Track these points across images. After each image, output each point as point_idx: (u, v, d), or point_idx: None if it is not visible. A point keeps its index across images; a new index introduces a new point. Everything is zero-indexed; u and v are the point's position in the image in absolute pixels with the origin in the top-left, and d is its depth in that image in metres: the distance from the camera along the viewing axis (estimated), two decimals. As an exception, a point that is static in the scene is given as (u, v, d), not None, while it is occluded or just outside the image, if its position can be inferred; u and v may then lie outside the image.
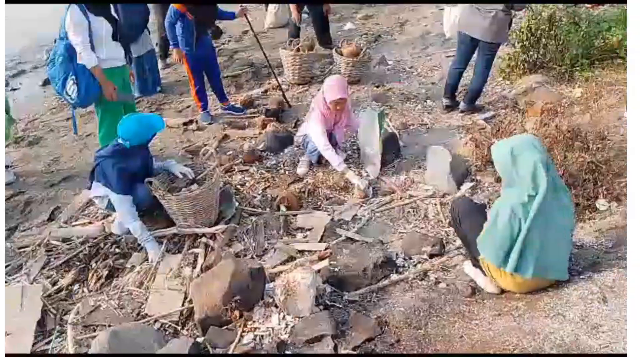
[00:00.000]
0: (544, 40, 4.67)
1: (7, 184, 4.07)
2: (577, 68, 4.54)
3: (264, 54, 5.08)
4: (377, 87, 5.21)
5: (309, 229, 3.24)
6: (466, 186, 3.46)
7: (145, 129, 3.09)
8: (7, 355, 2.95)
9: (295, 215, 3.36)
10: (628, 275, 2.20)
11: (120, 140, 3.05)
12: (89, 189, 3.24)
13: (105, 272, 2.91)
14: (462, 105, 4.47)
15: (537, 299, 2.29)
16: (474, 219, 2.46)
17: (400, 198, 3.48)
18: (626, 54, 4.39)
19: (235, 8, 4.72)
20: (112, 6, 3.63)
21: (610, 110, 3.88)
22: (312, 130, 3.66)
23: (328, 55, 5.86)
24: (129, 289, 2.82)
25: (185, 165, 3.40)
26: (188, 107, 5.26)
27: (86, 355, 2.76)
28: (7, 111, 4.06)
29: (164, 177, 3.31)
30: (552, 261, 2.22)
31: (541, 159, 2.13)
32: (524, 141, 2.25)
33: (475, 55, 4.20)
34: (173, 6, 4.24)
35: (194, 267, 2.91)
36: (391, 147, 3.93)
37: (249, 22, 4.94)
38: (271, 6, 7.29)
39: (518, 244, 2.17)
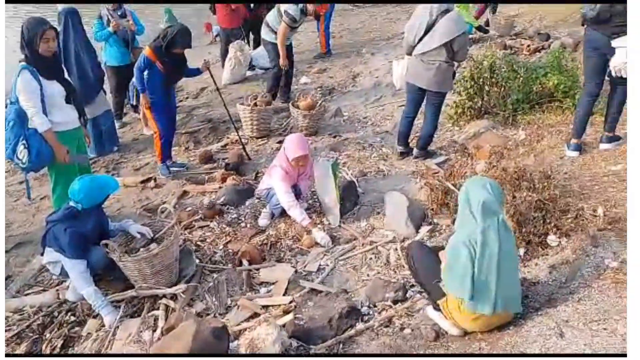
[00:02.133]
0: (486, 87, 4.98)
1: None
2: (519, 112, 4.84)
3: (225, 106, 5.16)
4: (334, 137, 5.36)
5: (273, 283, 3.21)
6: (424, 229, 3.54)
7: (97, 190, 3.05)
8: (7, 355, 2.73)
9: (257, 269, 3.34)
10: (628, 275, 2.30)
11: (72, 203, 2.99)
12: (42, 255, 3.13)
13: (60, 342, 2.77)
14: (415, 151, 4.64)
15: (499, 338, 2.34)
16: (429, 263, 2.54)
17: (362, 245, 3.53)
18: (562, 97, 4.74)
19: (199, 62, 4.83)
20: (65, 68, 3.65)
21: (552, 150, 4.13)
22: (277, 187, 3.71)
23: (285, 109, 6.02)
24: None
25: (143, 225, 3.34)
26: (146, 164, 5.23)
27: (86, 355, 2.59)
28: None
29: (120, 238, 3.24)
30: (507, 294, 2.30)
31: (488, 198, 2.25)
32: (476, 182, 2.38)
33: (424, 103, 4.42)
34: (144, 53, 4.32)
35: (154, 330, 2.81)
36: (350, 195, 4.02)
37: (211, 75, 5.04)
38: (227, 63, 7.48)
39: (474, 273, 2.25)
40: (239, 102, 5.65)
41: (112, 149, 5.54)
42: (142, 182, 4.75)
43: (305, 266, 3.35)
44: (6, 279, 3.57)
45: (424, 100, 4.39)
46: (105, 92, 5.32)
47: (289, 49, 6.13)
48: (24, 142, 3.36)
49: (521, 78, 4.88)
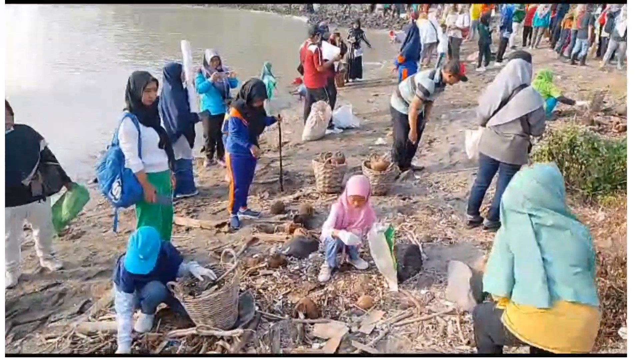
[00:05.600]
0: (566, 163, 4.82)
1: (58, 269, 4.41)
2: (600, 192, 4.61)
3: (280, 163, 5.73)
4: (404, 199, 5.39)
5: (326, 339, 3.23)
6: (486, 304, 3.41)
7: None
8: (7, 355, 2.91)
9: (312, 323, 3.38)
10: (628, 275, 2.12)
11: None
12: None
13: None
14: (486, 221, 4.55)
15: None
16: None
17: (420, 313, 3.46)
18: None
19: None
20: (161, 117, 4.07)
21: (635, 235, 3.86)
22: (331, 213, 3.89)
23: (357, 168, 6.18)
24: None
25: (207, 267, 3.53)
26: (223, 209, 5.56)
27: (86, 355, 2.71)
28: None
29: (186, 279, 3.44)
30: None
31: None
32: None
33: (497, 174, 4.37)
34: (231, 115, 4.73)
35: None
36: (413, 260, 3.99)
37: (279, 125, 5.45)
38: (309, 121, 7.88)
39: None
40: (315, 158, 5.91)
41: (194, 191, 6.01)
42: (217, 226, 5.05)
43: (359, 327, 3.34)
44: (85, 303, 3.92)
45: (497, 171, 4.34)
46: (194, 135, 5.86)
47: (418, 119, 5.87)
48: (119, 180, 3.76)
49: (602, 157, 4.67)
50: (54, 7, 30.25)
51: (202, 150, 7.39)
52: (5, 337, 3.60)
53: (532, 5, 15.81)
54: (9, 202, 3.91)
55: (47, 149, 4.13)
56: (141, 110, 3.79)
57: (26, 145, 3.94)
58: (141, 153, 3.80)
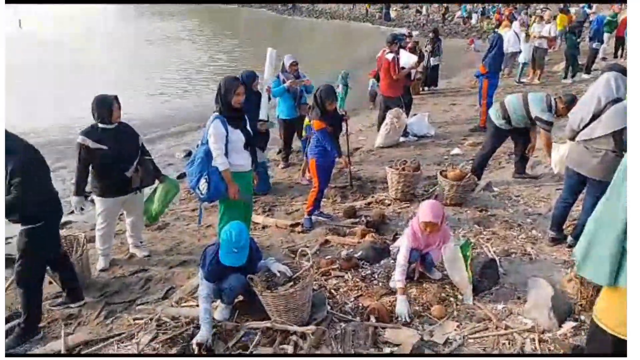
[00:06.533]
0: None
1: (145, 257, 4.77)
2: None
3: (350, 171, 5.88)
4: (480, 211, 5.25)
5: (397, 345, 3.23)
6: (568, 325, 3.25)
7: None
8: (7, 355, 3.14)
9: (384, 328, 3.39)
10: (628, 275, 1.95)
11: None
12: (200, 274, 3.62)
13: (204, 354, 3.13)
14: (570, 239, 4.32)
15: None
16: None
17: (496, 328, 3.36)
18: None
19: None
20: (247, 120, 4.29)
21: None
22: (402, 242, 3.82)
23: (432, 177, 6.10)
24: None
25: (284, 264, 3.66)
26: (297, 210, 5.72)
27: (86, 355, 2.88)
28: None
29: (263, 274, 3.58)
30: None
31: None
32: None
33: (584, 191, 4.15)
34: (314, 128, 4.90)
35: (282, 364, 3.02)
36: (490, 273, 3.88)
37: (347, 127, 5.54)
38: (383, 128, 7.89)
39: None
40: (387, 164, 5.91)
41: (269, 189, 6.29)
42: (291, 225, 5.21)
43: (432, 335, 3.30)
44: (169, 290, 4.19)
45: (585, 188, 4.12)
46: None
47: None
48: (206, 177, 3.99)
49: None
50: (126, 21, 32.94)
51: (278, 153, 7.66)
52: (98, 314, 3.94)
53: (624, 15, 14.78)
54: (112, 193, 4.30)
55: (143, 145, 4.48)
56: (230, 112, 4.01)
57: (129, 140, 4.31)
58: (228, 153, 4.02)
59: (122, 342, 3.39)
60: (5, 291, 4.19)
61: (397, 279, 3.63)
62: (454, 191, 5.33)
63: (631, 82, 2.68)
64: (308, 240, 4.91)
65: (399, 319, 3.47)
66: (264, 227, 5.33)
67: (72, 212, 4.70)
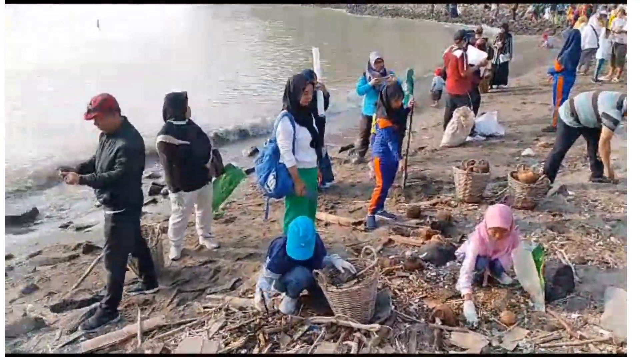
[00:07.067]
0: None
1: (214, 248, 4.96)
2: None
3: (405, 172, 5.80)
4: (554, 215, 5.00)
5: (463, 349, 3.15)
6: (651, 339, 3.03)
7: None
8: (7, 355, 3.29)
9: (450, 331, 3.32)
10: (628, 276, 1.75)
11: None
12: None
13: (269, 345, 3.21)
14: (655, 248, 4.02)
15: None
16: None
17: (570, 337, 3.20)
18: None
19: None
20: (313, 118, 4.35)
21: None
22: (468, 248, 3.72)
23: (502, 178, 5.88)
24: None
25: (348, 261, 3.67)
26: (359, 208, 5.72)
27: (86, 355, 2.97)
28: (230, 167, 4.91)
29: (328, 270, 3.61)
30: None
31: None
32: None
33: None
34: (380, 127, 4.92)
35: (346, 358, 3.04)
36: (564, 280, 3.69)
37: (411, 115, 5.60)
38: (449, 127, 7.71)
39: None
40: (454, 164, 5.76)
41: (326, 184, 6.37)
42: (354, 223, 5.22)
43: (501, 342, 3.20)
44: (236, 281, 4.34)
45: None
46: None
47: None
48: (274, 173, 4.09)
49: None
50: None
51: (349, 147, 7.72)
52: (171, 301, 4.15)
53: None
54: (192, 187, 4.53)
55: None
56: (298, 110, 4.08)
57: (201, 133, 4.52)
58: (295, 150, 4.09)
59: (194, 328, 3.56)
60: (87, 275, 4.53)
61: (463, 286, 3.55)
62: (525, 194, 5.11)
63: (631, 82, 2.48)
64: (371, 239, 4.90)
65: (467, 323, 3.38)
66: (326, 225, 5.37)
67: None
